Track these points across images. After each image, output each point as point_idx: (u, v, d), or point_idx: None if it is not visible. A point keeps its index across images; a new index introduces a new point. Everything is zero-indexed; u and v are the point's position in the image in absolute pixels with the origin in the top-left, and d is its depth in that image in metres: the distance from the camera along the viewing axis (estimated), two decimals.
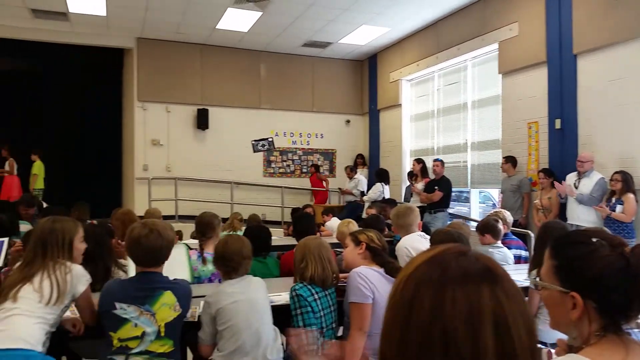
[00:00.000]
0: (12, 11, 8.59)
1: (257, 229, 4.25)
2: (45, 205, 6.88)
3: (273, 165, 11.43)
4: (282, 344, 2.87)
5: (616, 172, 5.67)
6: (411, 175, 9.33)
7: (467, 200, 9.41)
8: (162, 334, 2.47)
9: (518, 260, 4.45)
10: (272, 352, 2.73)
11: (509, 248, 4.38)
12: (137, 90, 10.25)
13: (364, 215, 7.90)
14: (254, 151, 10.43)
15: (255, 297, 2.76)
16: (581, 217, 5.93)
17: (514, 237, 4.86)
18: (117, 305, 2.44)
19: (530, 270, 3.21)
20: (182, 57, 10.44)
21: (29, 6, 8.38)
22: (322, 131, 11.78)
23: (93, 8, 8.50)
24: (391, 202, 7.26)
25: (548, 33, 6.89)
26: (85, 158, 11.60)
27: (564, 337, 1.30)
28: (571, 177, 6.23)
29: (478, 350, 0.71)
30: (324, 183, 11.02)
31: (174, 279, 2.63)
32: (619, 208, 5.56)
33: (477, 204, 9.21)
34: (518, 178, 7.17)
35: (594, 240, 1.23)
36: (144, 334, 2.44)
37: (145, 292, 2.48)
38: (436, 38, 9.24)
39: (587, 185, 5.98)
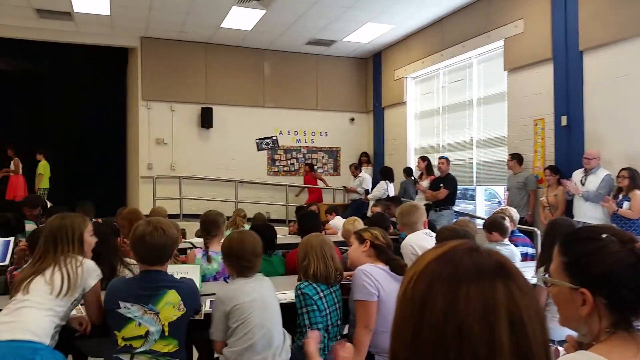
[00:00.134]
0: (16, 11, 8.61)
1: (263, 228, 4.24)
2: (49, 205, 6.90)
3: (277, 163, 11.42)
4: (289, 345, 2.85)
5: (623, 169, 5.64)
6: (409, 172, 9.31)
7: (472, 198, 9.38)
8: (166, 334, 2.45)
9: (525, 257, 4.43)
10: (281, 353, 2.72)
11: (516, 245, 4.36)
12: (141, 89, 10.26)
13: (369, 214, 7.89)
14: (258, 150, 10.41)
15: (267, 296, 2.75)
16: (588, 214, 5.90)
17: (520, 234, 4.84)
18: (121, 304, 2.43)
19: (537, 267, 3.20)
20: (186, 56, 10.44)
21: (34, 6, 8.39)
22: (327, 129, 11.76)
23: (97, 7, 8.51)
24: (395, 200, 7.24)
25: (554, 29, 6.85)
26: (89, 157, 11.65)
27: (574, 333, 1.29)
28: (577, 174, 6.20)
29: (494, 347, 0.70)
30: (319, 182, 10.94)
31: (181, 278, 2.62)
32: (625, 205, 5.54)
33: (482, 201, 9.18)
34: (524, 175, 7.14)
35: (604, 236, 1.22)
36: (147, 333, 2.43)
37: (148, 291, 2.47)
38: (441, 35, 9.20)
39: (594, 182, 5.95)
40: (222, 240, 4.01)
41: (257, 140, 10.30)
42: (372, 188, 9.57)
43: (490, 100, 8.36)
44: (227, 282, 3.36)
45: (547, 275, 1.31)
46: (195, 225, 5.14)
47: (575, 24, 6.54)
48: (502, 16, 7.78)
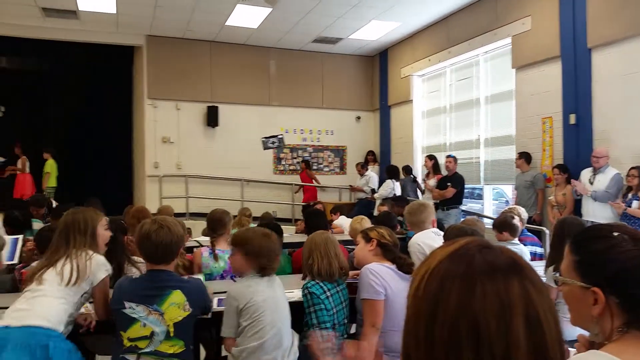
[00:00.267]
0: (23, 10, 8.65)
1: (270, 227, 4.24)
2: (55, 204, 6.94)
3: (283, 162, 11.42)
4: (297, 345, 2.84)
5: (632, 168, 5.59)
6: (407, 170, 9.28)
7: (479, 197, 9.34)
8: (172, 334, 2.44)
9: (533, 257, 4.40)
10: (289, 354, 2.70)
11: (524, 245, 4.33)
12: (147, 88, 10.29)
13: (375, 213, 7.87)
14: (264, 148, 10.41)
15: (279, 296, 2.73)
16: (596, 213, 5.85)
17: (528, 233, 4.81)
18: (126, 304, 2.43)
19: (547, 266, 3.17)
20: (191, 54, 10.46)
21: (40, 5, 8.43)
22: (333, 128, 11.74)
23: (103, 6, 8.54)
24: (398, 200, 7.20)
25: (562, 27, 6.80)
26: (96, 156, 11.69)
27: (585, 333, 1.27)
28: (586, 173, 6.15)
29: (510, 345, 0.69)
30: (314, 181, 10.90)
31: (188, 277, 2.61)
32: (635, 204, 5.48)
33: (490, 200, 9.14)
34: (532, 174, 7.09)
35: (616, 234, 1.21)
36: (152, 333, 2.42)
37: (153, 291, 2.46)
38: (447, 33, 9.16)
39: (603, 181, 5.90)
40: (229, 239, 4.03)
41: (263, 139, 10.30)
42: (379, 187, 9.55)
43: (498, 99, 8.32)
44: (235, 280, 3.36)
45: (557, 274, 1.29)
46: (202, 224, 5.15)
47: (583, 21, 6.49)
48: (510, 13, 7.73)
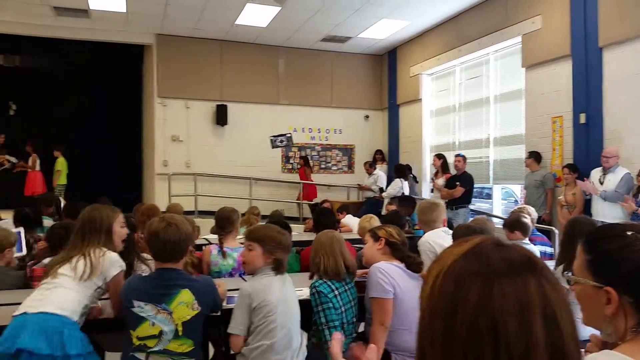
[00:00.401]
0: (34, 9, 8.71)
1: (279, 224, 4.24)
2: (63, 203, 7.00)
3: (292, 161, 11.41)
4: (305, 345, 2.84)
5: None
6: (409, 170, 9.25)
7: (488, 196, 9.30)
8: (180, 333, 2.43)
9: (542, 256, 4.37)
10: (299, 354, 2.70)
11: (534, 244, 4.30)
12: (156, 86, 10.33)
13: (384, 212, 7.86)
14: (273, 147, 10.44)
15: (290, 297, 2.73)
16: (606, 213, 5.80)
17: (538, 233, 4.78)
18: (135, 303, 2.43)
19: (556, 266, 3.15)
20: (201, 53, 10.48)
21: (51, 4, 8.48)
22: (341, 127, 11.73)
23: (113, 4, 8.59)
24: (406, 199, 7.16)
25: (572, 26, 6.75)
26: (105, 154, 11.77)
27: (597, 333, 1.26)
28: (596, 173, 6.10)
29: (530, 344, 0.69)
30: (310, 178, 10.84)
31: (198, 275, 2.61)
32: None
33: (499, 200, 9.09)
34: (541, 173, 7.05)
35: (629, 233, 1.20)
36: (161, 332, 2.42)
37: (162, 290, 2.46)
38: (457, 31, 9.12)
39: (613, 180, 5.85)
40: (237, 237, 4.05)
41: (272, 138, 10.33)
42: (387, 186, 9.53)
43: (508, 98, 8.27)
44: (243, 278, 3.36)
45: (570, 274, 1.28)
46: (210, 222, 5.15)
47: (594, 20, 6.44)
48: (520, 12, 7.69)
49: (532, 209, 4.84)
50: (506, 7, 7.98)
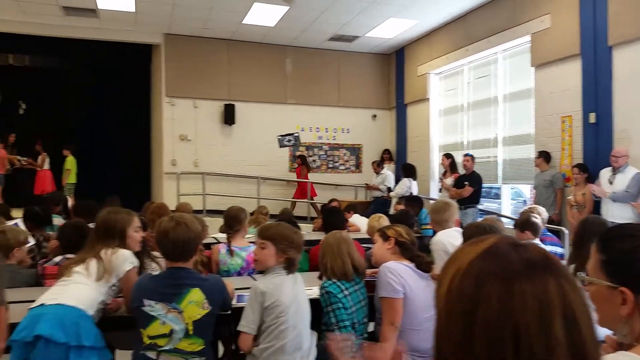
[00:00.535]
0: (43, 9, 8.76)
1: (288, 223, 4.25)
2: (70, 202, 7.05)
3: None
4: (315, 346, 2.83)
5: None
6: (411, 168, 9.22)
7: (497, 196, 9.26)
8: (191, 332, 2.43)
9: None
10: (309, 356, 2.69)
11: (544, 245, 4.28)
12: (165, 86, 10.36)
13: (392, 211, 7.84)
14: (280, 146, 10.44)
15: (301, 298, 2.72)
16: (616, 213, 5.76)
17: (549, 233, 4.76)
18: (145, 302, 2.43)
19: (568, 266, 3.13)
20: (209, 52, 10.51)
21: (60, 4, 8.53)
22: (349, 126, 11.72)
23: (122, 4, 8.62)
24: (414, 199, 7.14)
25: (582, 24, 6.71)
26: (114, 153, 11.82)
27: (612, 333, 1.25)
28: (605, 173, 6.06)
29: (551, 344, 0.69)
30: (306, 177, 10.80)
31: (208, 274, 2.61)
32: None
33: (508, 200, 9.05)
34: (551, 173, 7.01)
35: None
36: (172, 331, 2.42)
37: (172, 289, 2.46)
38: (465, 30, 9.08)
39: (622, 180, 5.82)
40: (245, 236, 4.06)
41: (279, 137, 10.33)
42: (395, 185, 9.51)
43: (516, 97, 8.23)
44: (253, 277, 3.36)
45: (584, 274, 1.27)
46: (218, 221, 5.16)
47: (604, 19, 6.39)
48: (529, 11, 7.65)
49: (542, 209, 4.81)
50: (514, 6, 7.94)
